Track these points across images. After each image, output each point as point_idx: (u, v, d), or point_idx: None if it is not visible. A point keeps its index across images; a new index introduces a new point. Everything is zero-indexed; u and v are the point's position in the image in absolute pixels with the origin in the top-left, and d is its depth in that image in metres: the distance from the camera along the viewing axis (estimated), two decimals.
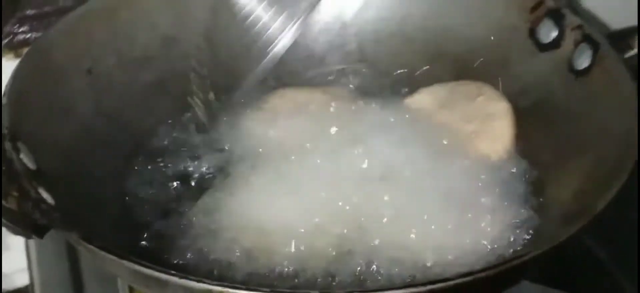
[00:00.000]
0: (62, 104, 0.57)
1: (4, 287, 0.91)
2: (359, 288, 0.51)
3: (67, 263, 0.64)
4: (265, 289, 0.41)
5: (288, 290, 0.48)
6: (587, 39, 0.60)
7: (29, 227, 0.46)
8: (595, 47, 0.59)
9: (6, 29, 0.74)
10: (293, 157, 0.58)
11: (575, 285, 0.58)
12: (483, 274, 0.43)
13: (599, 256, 0.63)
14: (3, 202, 0.45)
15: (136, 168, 0.60)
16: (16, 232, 0.46)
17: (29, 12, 0.73)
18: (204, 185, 0.59)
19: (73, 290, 0.62)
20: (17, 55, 0.73)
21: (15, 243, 0.88)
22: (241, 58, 0.67)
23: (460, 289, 0.43)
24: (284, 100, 0.65)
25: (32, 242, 0.69)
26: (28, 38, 0.73)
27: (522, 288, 0.54)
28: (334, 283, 0.51)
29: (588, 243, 0.62)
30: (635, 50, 0.59)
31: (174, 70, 0.65)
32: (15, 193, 0.46)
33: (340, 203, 0.55)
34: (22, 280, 0.90)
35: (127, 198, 0.58)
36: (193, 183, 0.59)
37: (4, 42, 0.75)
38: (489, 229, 0.54)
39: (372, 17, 0.71)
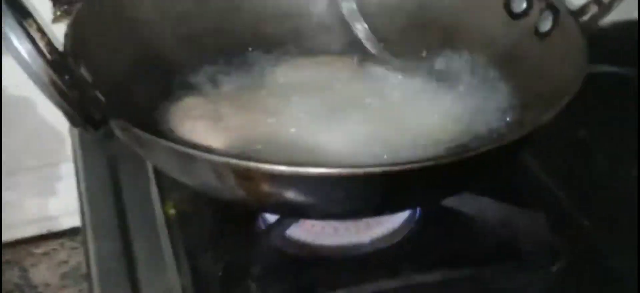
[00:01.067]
0: (112, 41, 0.69)
1: (52, 229, 1.04)
2: None
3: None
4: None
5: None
6: (549, 6, 0.72)
7: (87, 119, 0.58)
8: (555, 13, 0.71)
9: None
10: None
11: (516, 200, 0.69)
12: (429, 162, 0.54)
13: (542, 175, 0.75)
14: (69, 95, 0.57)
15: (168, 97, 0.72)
16: (76, 123, 0.58)
17: None
18: None
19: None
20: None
21: (61, 188, 1.01)
22: None
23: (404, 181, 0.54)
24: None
25: (80, 170, 0.81)
26: None
27: (464, 200, 0.66)
28: None
29: (528, 162, 0.75)
30: (587, 16, 0.71)
31: (208, 25, 0.78)
32: (76, 91, 0.57)
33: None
34: (68, 222, 1.03)
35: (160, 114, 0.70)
36: None
37: (64, 8, 0.89)
38: None
39: None
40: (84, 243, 0.73)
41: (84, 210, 0.76)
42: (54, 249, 1.03)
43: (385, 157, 0.63)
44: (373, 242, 0.68)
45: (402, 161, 0.55)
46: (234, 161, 0.53)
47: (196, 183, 0.61)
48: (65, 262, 1.02)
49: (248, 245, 0.65)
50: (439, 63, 0.76)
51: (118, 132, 0.58)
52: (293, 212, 0.63)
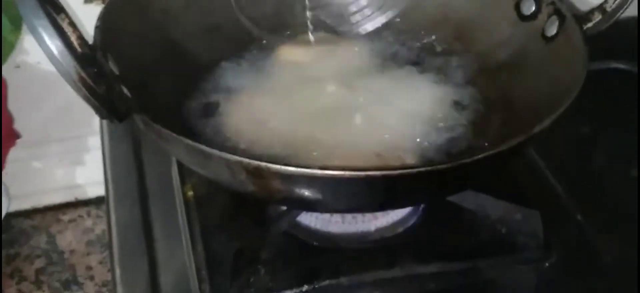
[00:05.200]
0: (140, 32, 0.73)
1: (79, 197, 1.08)
2: None
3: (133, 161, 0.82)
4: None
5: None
6: (557, 12, 0.75)
7: (113, 112, 0.62)
8: (562, 18, 0.75)
9: None
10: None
11: (517, 197, 0.72)
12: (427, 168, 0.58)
13: (543, 172, 0.78)
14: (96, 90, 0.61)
15: (192, 88, 0.77)
16: (102, 115, 0.62)
17: None
18: None
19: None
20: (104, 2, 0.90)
21: (88, 159, 1.06)
22: None
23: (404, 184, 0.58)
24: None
25: (106, 146, 0.85)
26: None
27: (466, 196, 0.69)
28: None
29: (532, 159, 0.78)
30: (591, 23, 0.74)
31: (230, 18, 0.82)
32: (103, 86, 0.61)
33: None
34: (94, 191, 1.08)
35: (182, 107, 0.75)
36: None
37: None
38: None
39: None
40: (107, 214, 0.78)
41: (108, 184, 0.81)
42: (80, 216, 1.07)
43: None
44: (378, 231, 0.72)
45: (402, 166, 0.59)
46: (246, 160, 0.57)
47: (212, 176, 0.65)
48: (91, 229, 1.06)
49: (259, 231, 0.70)
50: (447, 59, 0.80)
51: (141, 126, 0.62)
52: (300, 206, 0.68)
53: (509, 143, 0.60)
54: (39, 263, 1.02)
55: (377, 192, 0.60)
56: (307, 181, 0.58)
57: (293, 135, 0.70)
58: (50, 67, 0.94)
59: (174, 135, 0.59)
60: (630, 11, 0.77)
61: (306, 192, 0.60)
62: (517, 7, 0.79)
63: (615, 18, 0.74)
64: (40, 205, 1.07)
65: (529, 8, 0.78)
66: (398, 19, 0.85)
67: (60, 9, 0.61)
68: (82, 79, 0.59)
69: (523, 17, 0.79)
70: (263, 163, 0.57)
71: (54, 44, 0.57)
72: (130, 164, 0.82)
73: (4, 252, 1.02)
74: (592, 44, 0.70)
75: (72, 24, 0.62)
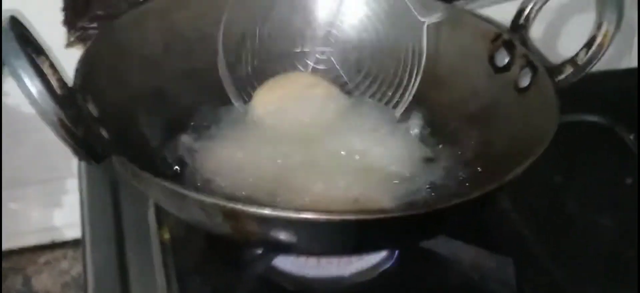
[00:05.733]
0: (120, 75, 0.74)
1: (56, 239, 1.08)
2: None
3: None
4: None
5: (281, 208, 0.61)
6: (529, 64, 0.77)
7: (90, 154, 0.63)
8: (534, 70, 0.76)
9: (80, 24, 0.93)
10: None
11: (490, 243, 0.74)
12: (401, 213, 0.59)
13: (515, 220, 0.79)
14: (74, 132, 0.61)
15: (170, 131, 0.78)
16: (80, 156, 0.62)
17: (99, 12, 0.91)
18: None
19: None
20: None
21: (66, 201, 1.06)
22: None
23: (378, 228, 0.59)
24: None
25: (84, 188, 0.86)
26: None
27: (439, 242, 0.71)
28: None
29: (504, 207, 0.79)
30: (564, 75, 0.76)
31: (209, 62, 0.83)
32: (82, 128, 0.62)
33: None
34: (71, 233, 1.08)
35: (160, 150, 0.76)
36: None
37: (77, 34, 0.94)
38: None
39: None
40: (83, 256, 0.78)
41: (84, 226, 0.81)
42: (56, 259, 1.07)
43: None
44: (352, 276, 0.72)
45: (377, 210, 0.60)
46: (222, 202, 0.58)
47: (188, 218, 0.66)
48: (67, 271, 1.05)
49: (235, 273, 0.70)
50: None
51: (118, 167, 0.63)
52: (276, 249, 0.68)
53: (483, 189, 0.62)
54: None
55: (352, 236, 0.61)
56: (283, 224, 0.59)
57: (271, 181, 0.71)
58: (29, 109, 0.95)
59: (151, 176, 0.60)
60: (602, 65, 0.79)
61: (282, 235, 0.60)
62: (491, 59, 0.81)
63: (585, 71, 0.76)
64: (16, 247, 1.06)
65: (503, 60, 0.80)
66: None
67: (41, 51, 0.63)
68: (60, 121, 0.60)
69: (497, 69, 0.81)
70: (238, 206, 0.58)
71: (34, 85, 0.58)
72: (107, 207, 0.82)
73: None
74: (565, 97, 0.72)
75: (52, 66, 0.63)
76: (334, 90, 0.84)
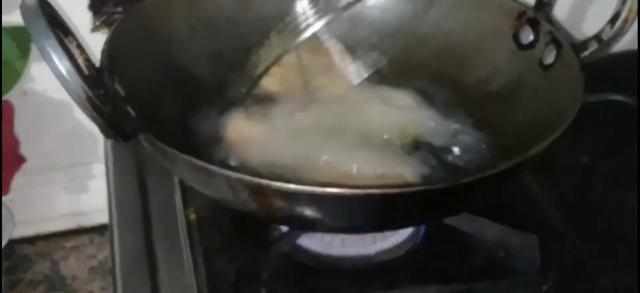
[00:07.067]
0: (146, 56, 0.75)
1: (82, 224, 1.09)
2: None
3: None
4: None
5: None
6: (554, 41, 0.77)
7: (118, 132, 0.63)
8: (559, 47, 0.76)
9: (105, 8, 0.94)
10: None
11: (515, 221, 0.73)
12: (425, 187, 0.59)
13: (542, 199, 0.79)
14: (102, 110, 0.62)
15: (196, 111, 0.78)
16: (108, 134, 0.63)
17: None
18: None
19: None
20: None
21: (92, 186, 1.07)
22: None
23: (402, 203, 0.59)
24: None
25: (111, 171, 0.87)
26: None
27: (464, 220, 0.71)
28: None
29: (530, 186, 0.79)
30: (588, 52, 0.75)
31: (234, 44, 0.84)
32: (110, 106, 0.63)
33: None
34: (97, 218, 1.09)
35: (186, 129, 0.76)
36: None
37: (103, 19, 0.95)
38: None
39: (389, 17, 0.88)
40: (110, 239, 0.78)
41: (111, 209, 0.82)
42: (83, 244, 1.08)
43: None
44: (377, 255, 0.73)
45: (400, 185, 0.60)
46: (247, 178, 0.59)
47: (214, 195, 0.66)
48: (93, 256, 1.07)
49: (260, 252, 0.71)
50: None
51: (145, 145, 0.64)
52: (301, 225, 0.69)
53: (506, 164, 0.62)
54: (41, 289, 1.02)
55: (377, 211, 0.61)
56: (308, 199, 0.59)
57: (298, 156, 0.72)
58: (56, 95, 0.96)
59: (178, 153, 0.61)
60: (629, 44, 0.78)
61: (307, 211, 0.61)
62: (516, 36, 0.81)
63: (610, 47, 0.75)
64: (44, 232, 1.08)
65: (528, 37, 0.80)
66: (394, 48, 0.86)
67: (68, 32, 0.63)
68: (89, 99, 0.60)
69: (521, 47, 0.80)
70: (264, 181, 0.58)
71: (63, 64, 0.59)
72: (134, 190, 0.83)
73: (7, 278, 1.03)
74: (592, 76, 0.71)
75: (80, 47, 0.64)
76: (361, 67, 0.84)
